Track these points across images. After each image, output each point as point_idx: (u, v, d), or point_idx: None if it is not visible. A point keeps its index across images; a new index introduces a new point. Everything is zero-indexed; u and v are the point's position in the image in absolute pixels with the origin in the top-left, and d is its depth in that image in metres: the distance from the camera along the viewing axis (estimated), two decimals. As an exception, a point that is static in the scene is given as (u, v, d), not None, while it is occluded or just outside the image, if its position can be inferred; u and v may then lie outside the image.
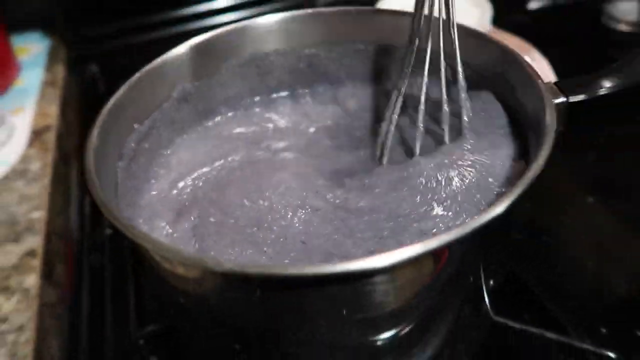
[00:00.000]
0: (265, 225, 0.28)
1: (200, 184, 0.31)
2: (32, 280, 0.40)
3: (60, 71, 0.68)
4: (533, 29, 0.70)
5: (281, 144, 0.36)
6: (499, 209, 0.21)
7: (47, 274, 0.42)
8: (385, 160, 0.32)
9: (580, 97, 0.25)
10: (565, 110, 0.26)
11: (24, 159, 0.53)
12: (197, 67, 0.32)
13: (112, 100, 0.26)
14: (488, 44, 0.29)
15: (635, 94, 0.28)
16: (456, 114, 0.30)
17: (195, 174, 0.32)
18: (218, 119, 0.34)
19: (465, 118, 0.29)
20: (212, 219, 0.29)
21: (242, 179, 0.31)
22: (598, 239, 0.40)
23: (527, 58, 0.54)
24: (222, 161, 0.33)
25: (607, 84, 0.25)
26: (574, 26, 0.69)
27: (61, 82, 0.65)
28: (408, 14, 0.32)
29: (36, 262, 0.42)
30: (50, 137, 0.56)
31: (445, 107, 0.30)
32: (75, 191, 0.50)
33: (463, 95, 0.29)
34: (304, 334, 0.25)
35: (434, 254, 0.21)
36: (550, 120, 0.23)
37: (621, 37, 0.66)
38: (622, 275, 0.38)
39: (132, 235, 0.21)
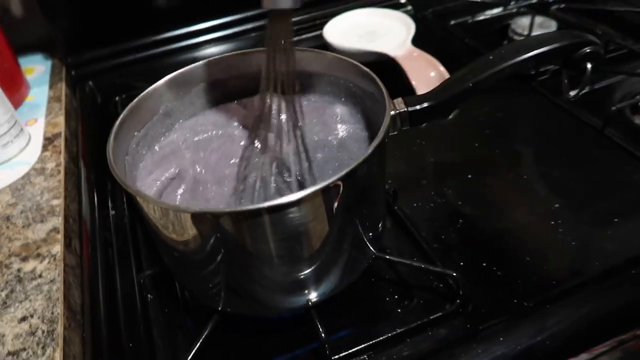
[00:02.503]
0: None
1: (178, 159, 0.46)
2: (57, 248, 0.54)
3: (63, 88, 0.81)
4: (451, 42, 0.85)
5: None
6: (347, 170, 0.35)
7: (67, 245, 0.56)
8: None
9: (416, 107, 0.41)
10: (407, 114, 0.41)
11: (41, 159, 0.67)
12: (174, 92, 0.47)
13: (120, 118, 0.41)
14: (366, 75, 0.43)
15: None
16: None
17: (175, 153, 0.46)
18: (190, 121, 0.50)
19: None
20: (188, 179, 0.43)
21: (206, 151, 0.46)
22: (462, 193, 0.56)
23: (432, 73, 0.70)
24: (190, 145, 0.48)
25: (426, 102, 0.40)
26: (487, 39, 0.85)
27: (64, 98, 0.79)
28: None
29: (59, 236, 0.56)
30: (60, 142, 0.70)
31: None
32: (84, 184, 0.64)
33: None
34: (252, 265, 0.39)
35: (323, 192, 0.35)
36: (384, 124, 0.38)
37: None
38: (480, 221, 0.53)
39: (142, 198, 0.35)
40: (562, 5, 0.84)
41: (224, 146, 0.46)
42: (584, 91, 0.41)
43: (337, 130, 0.46)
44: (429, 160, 0.61)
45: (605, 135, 0.60)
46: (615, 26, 0.81)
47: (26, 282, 0.51)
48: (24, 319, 0.48)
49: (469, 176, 0.58)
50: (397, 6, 0.92)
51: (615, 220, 0.51)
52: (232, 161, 0.45)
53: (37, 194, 0.62)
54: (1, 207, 0.60)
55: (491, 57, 0.39)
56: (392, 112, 0.39)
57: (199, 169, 0.45)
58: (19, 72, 0.79)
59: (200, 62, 0.47)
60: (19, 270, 0.53)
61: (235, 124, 0.49)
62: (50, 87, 0.82)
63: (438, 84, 0.69)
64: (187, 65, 0.46)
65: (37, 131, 0.72)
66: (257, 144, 0.45)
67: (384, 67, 0.73)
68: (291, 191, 0.41)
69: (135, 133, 0.44)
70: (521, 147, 0.62)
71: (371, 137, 0.46)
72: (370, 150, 0.35)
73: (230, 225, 0.36)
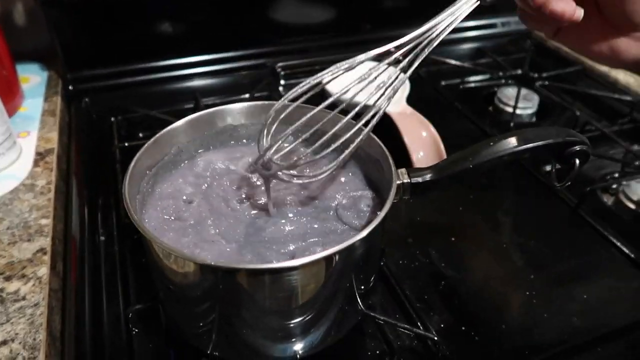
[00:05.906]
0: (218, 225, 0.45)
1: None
2: (43, 270, 0.54)
3: (58, 102, 0.81)
4: (441, 103, 0.90)
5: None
6: (351, 241, 0.37)
7: (53, 267, 0.56)
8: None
9: (418, 180, 0.44)
10: (409, 186, 0.44)
11: (32, 175, 0.66)
12: (188, 133, 0.49)
13: (136, 157, 0.42)
14: (376, 144, 0.47)
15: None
16: None
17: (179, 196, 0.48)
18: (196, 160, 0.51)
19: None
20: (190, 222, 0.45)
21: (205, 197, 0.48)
22: (446, 256, 0.59)
23: (424, 133, 0.74)
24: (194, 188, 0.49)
25: (428, 175, 0.43)
26: (474, 104, 0.90)
27: (59, 112, 0.79)
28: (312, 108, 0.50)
29: (46, 258, 0.55)
30: (52, 159, 0.69)
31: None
32: (75, 204, 0.64)
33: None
34: (246, 314, 0.41)
35: (325, 260, 0.38)
36: (392, 194, 0.40)
37: (506, 118, 0.87)
38: (461, 285, 0.56)
39: (155, 242, 0.37)
40: (546, 83, 0.90)
41: (225, 186, 0.48)
42: (568, 184, 0.44)
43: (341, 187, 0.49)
44: (415, 219, 0.64)
45: (579, 214, 0.64)
46: (592, 107, 0.88)
47: (8, 303, 0.51)
48: (4, 342, 0.47)
49: (453, 239, 0.61)
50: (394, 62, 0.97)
51: (585, 297, 0.54)
52: (232, 202, 0.47)
53: (26, 211, 0.61)
54: (-14, 221, 0.59)
55: (492, 144, 0.43)
56: (398, 182, 0.42)
57: (201, 208, 0.46)
58: (16, 81, 0.79)
59: (218, 107, 0.49)
60: (1, 290, 0.52)
61: (238, 166, 0.51)
62: (45, 99, 0.81)
63: (429, 144, 0.74)
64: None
65: (28, 144, 0.71)
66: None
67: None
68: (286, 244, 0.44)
69: (147, 172, 0.45)
70: (502, 215, 0.66)
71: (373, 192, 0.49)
72: (376, 222, 0.38)
73: (231, 279, 0.38)
